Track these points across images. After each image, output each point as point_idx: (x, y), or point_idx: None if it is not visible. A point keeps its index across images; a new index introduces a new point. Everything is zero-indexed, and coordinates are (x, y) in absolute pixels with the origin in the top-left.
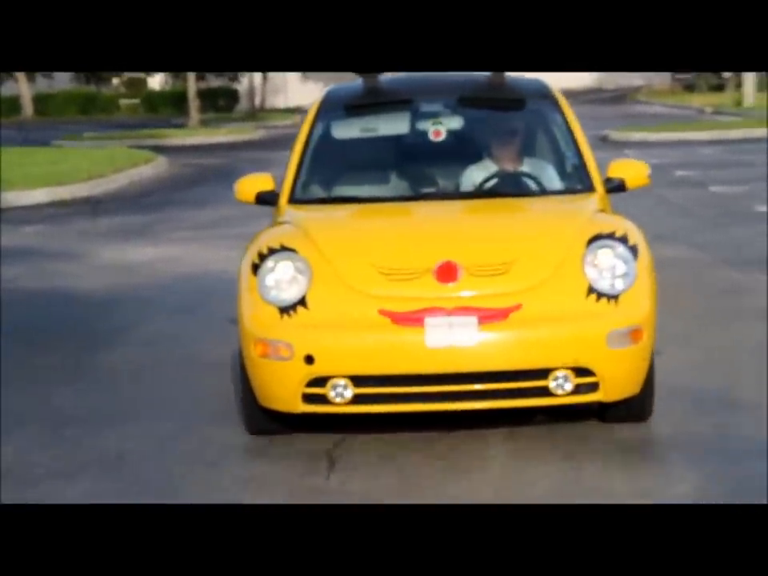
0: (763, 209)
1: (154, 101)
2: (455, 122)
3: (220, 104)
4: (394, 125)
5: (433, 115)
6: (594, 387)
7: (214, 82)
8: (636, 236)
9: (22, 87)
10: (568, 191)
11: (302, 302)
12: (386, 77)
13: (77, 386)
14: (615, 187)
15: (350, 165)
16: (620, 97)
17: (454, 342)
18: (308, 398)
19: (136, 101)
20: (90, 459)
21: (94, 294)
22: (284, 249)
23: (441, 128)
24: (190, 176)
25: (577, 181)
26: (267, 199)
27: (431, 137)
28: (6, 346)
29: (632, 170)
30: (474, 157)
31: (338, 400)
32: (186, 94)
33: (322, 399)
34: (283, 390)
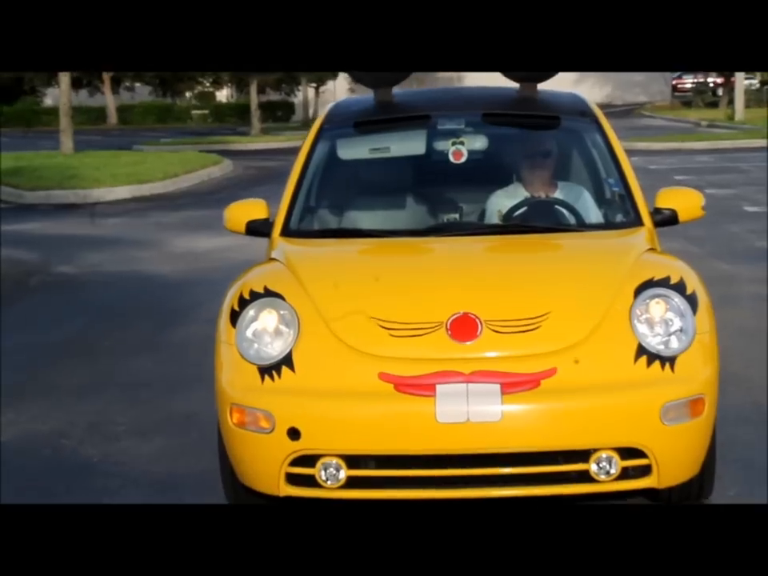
0: (752, 209)
1: (221, 111)
2: (479, 142)
3: (278, 114)
4: (409, 145)
5: (453, 134)
6: (645, 471)
7: (273, 95)
8: (694, 282)
9: (108, 99)
10: (611, 225)
11: (286, 361)
12: (401, 90)
13: (152, 357)
14: (665, 220)
15: (355, 191)
16: (627, 111)
17: (471, 416)
18: (293, 479)
19: (206, 111)
20: (163, 419)
21: (167, 277)
22: (268, 293)
23: (462, 149)
24: (252, 176)
25: (621, 212)
26: (259, 230)
27: (451, 159)
28: (91, 322)
29: (684, 200)
30: (501, 182)
31: (329, 483)
32: (249, 105)
33: (310, 481)
34: (263, 467)
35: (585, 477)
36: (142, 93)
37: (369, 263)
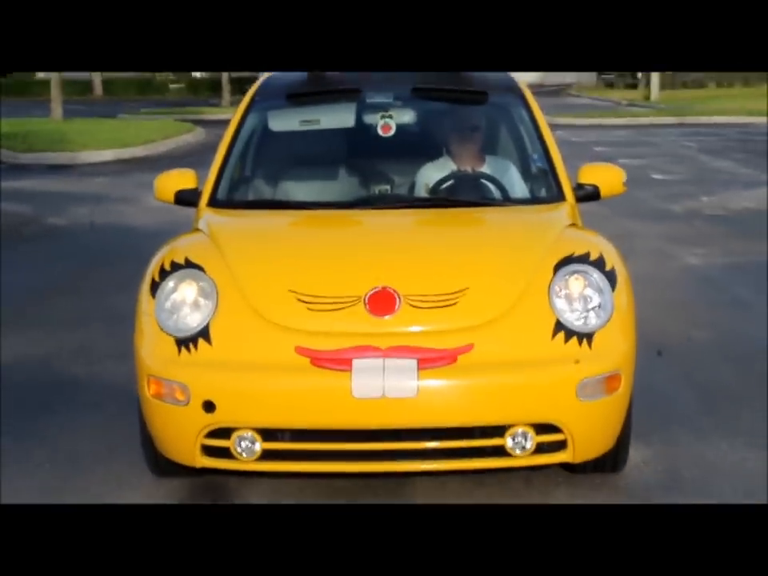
0: (658, 177)
1: (195, 85)
2: (407, 116)
3: (246, 89)
4: (339, 117)
5: (381, 107)
6: (560, 446)
7: (243, 72)
8: (613, 258)
9: (94, 73)
10: (534, 200)
11: (203, 333)
12: None
13: (130, 294)
14: (587, 195)
15: (285, 163)
16: (556, 91)
17: (387, 391)
18: (208, 451)
19: (182, 85)
20: None
21: (145, 228)
22: (189, 265)
23: (390, 122)
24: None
25: (544, 187)
26: (187, 199)
27: (379, 132)
28: (78, 265)
29: (606, 176)
30: (431, 155)
31: (244, 456)
32: (220, 80)
33: (226, 453)
34: (179, 439)
35: (500, 451)
36: None
37: (291, 235)
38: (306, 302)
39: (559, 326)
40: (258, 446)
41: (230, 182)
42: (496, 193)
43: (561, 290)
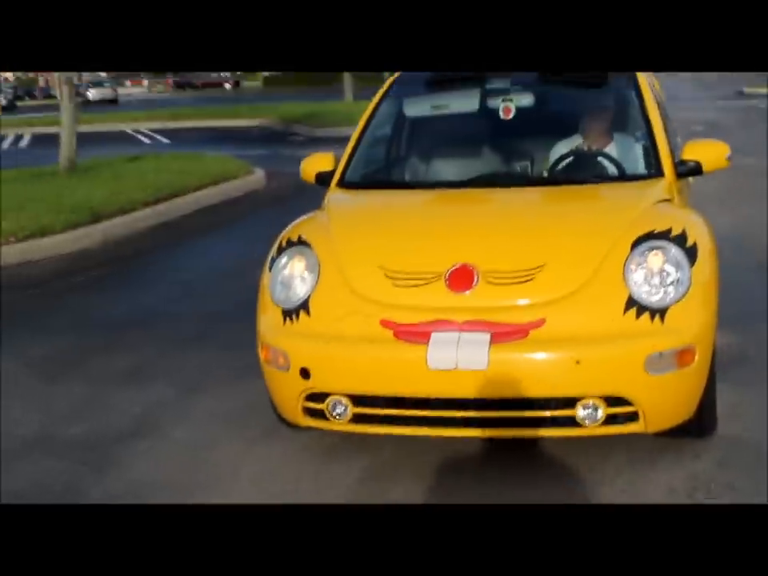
0: None
1: None
2: (526, 99)
3: None
4: (465, 103)
5: (502, 92)
6: (632, 417)
7: None
8: (697, 234)
9: None
10: (633, 177)
11: (304, 305)
12: None
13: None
14: (690, 170)
15: (408, 146)
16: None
17: (460, 363)
18: (308, 412)
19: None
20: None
21: None
22: (300, 242)
23: (510, 105)
24: None
25: (645, 164)
26: (325, 180)
27: (501, 115)
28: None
29: (709, 152)
30: (556, 134)
31: (337, 418)
32: None
33: (322, 415)
34: (285, 400)
35: (572, 421)
36: None
37: (392, 213)
38: (392, 278)
39: (631, 301)
40: (349, 410)
41: (360, 163)
42: (613, 169)
43: (637, 267)
